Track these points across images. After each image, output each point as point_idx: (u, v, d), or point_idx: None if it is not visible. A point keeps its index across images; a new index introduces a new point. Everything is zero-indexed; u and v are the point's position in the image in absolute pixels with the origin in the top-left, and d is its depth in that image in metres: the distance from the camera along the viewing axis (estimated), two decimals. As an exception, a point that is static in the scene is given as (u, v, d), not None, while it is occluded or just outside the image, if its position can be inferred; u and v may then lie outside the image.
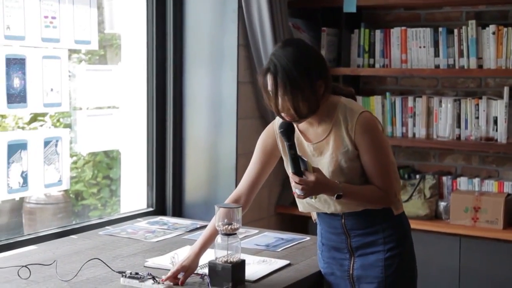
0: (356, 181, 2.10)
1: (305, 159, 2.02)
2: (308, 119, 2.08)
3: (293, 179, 1.99)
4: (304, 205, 2.17)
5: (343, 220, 2.14)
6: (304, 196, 2.02)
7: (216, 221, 2.04)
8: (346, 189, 2.04)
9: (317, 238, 2.28)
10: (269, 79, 2.03)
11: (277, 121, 2.19)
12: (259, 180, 2.25)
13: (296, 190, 2.01)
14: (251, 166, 2.26)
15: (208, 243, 2.15)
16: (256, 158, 2.25)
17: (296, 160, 1.99)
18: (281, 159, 2.24)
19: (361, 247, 2.15)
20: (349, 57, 3.80)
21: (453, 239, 3.38)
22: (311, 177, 1.98)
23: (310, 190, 1.99)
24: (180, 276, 2.07)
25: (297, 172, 1.99)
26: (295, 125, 2.07)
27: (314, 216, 2.29)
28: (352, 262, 2.16)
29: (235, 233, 2.05)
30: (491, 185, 3.54)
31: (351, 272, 2.16)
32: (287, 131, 2.01)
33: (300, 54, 2.04)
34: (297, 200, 2.19)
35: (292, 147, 1.99)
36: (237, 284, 2.01)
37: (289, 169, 2.11)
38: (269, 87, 2.04)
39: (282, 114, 2.06)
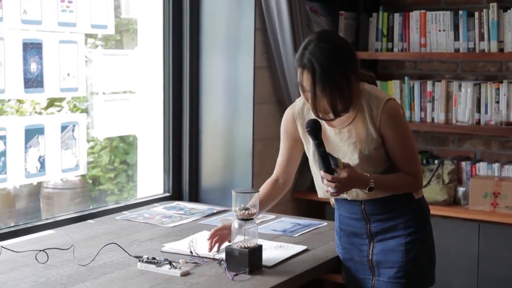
0: (379, 168, 2.08)
1: (335, 156, 1.99)
2: None
3: (324, 177, 1.97)
4: (324, 192, 2.15)
5: (362, 206, 2.13)
6: (338, 194, 2.01)
7: (233, 206, 2.04)
8: (377, 181, 2.03)
9: (335, 223, 2.26)
10: (306, 77, 1.98)
11: (297, 103, 2.18)
12: (292, 161, 2.27)
13: (329, 188, 1.99)
14: (281, 150, 2.28)
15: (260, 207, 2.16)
16: (283, 142, 2.27)
17: (326, 158, 1.96)
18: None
19: (380, 232, 2.13)
20: (367, 41, 3.76)
21: (472, 225, 3.34)
22: (343, 174, 1.96)
23: (343, 187, 1.98)
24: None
25: (328, 169, 1.96)
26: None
27: (332, 201, 2.27)
28: (371, 247, 2.14)
29: (252, 218, 2.04)
30: (511, 170, 3.49)
31: (370, 257, 2.15)
32: (314, 130, 1.98)
33: (336, 52, 2.00)
34: (316, 186, 2.17)
35: (320, 145, 1.96)
36: (253, 269, 2.01)
37: (310, 154, 2.10)
38: (305, 84, 2.00)
39: (319, 112, 2.02)
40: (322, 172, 1.98)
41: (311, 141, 2.06)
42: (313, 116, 2.06)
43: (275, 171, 2.31)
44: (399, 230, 2.11)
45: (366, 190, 2.03)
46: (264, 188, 2.29)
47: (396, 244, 2.11)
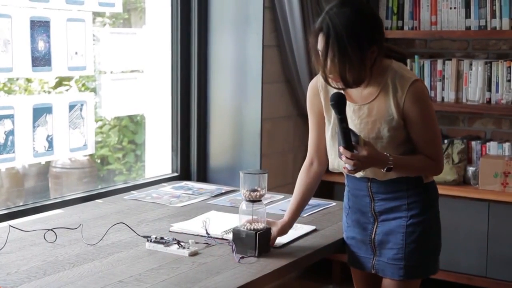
0: (393, 150, 2.02)
1: (357, 133, 1.96)
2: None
3: (344, 154, 1.93)
4: (337, 165, 2.11)
5: (369, 183, 2.10)
6: (355, 171, 1.98)
7: (241, 187, 2.02)
8: (396, 161, 1.98)
9: (344, 200, 2.24)
10: (321, 39, 1.94)
11: (320, 78, 2.09)
12: (323, 138, 2.16)
13: (347, 165, 1.95)
14: (310, 130, 2.20)
15: (298, 209, 2.18)
16: (310, 119, 2.19)
17: (347, 134, 1.91)
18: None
19: (384, 212, 2.11)
20: (377, 19, 3.71)
21: (481, 204, 3.33)
22: (363, 152, 1.92)
23: (361, 165, 1.94)
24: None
25: (348, 146, 1.91)
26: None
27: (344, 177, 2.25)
28: (375, 227, 2.13)
29: (261, 200, 2.03)
30: (521, 150, 3.46)
31: (373, 236, 2.13)
32: (339, 104, 1.92)
33: (355, 18, 1.93)
34: (329, 157, 2.14)
35: (343, 120, 1.91)
36: (261, 252, 2.00)
37: (328, 133, 2.08)
38: (319, 47, 1.96)
39: (329, 78, 1.98)
40: (341, 148, 1.93)
41: (332, 115, 2.02)
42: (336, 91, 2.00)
43: (308, 153, 2.22)
44: (402, 211, 2.08)
45: (384, 170, 1.98)
46: (300, 180, 2.20)
47: (397, 225, 2.08)
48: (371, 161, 1.95)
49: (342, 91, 1.99)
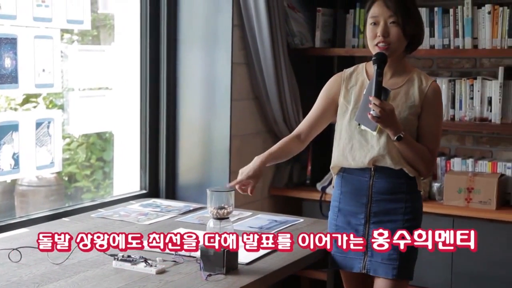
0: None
1: (389, 90, 2.16)
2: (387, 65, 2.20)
3: (373, 101, 2.10)
4: (342, 154, 2.26)
5: (371, 181, 2.22)
6: (378, 119, 2.11)
7: (208, 205, 2.04)
8: (407, 136, 2.17)
9: (332, 204, 2.33)
10: (382, 4, 2.19)
11: (347, 70, 2.33)
12: (318, 123, 2.37)
13: (372, 112, 2.11)
14: (313, 109, 2.39)
15: (275, 155, 2.31)
16: (318, 102, 2.37)
17: (380, 87, 2.14)
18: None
19: (380, 214, 2.22)
20: (344, 38, 3.78)
21: (446, 219, 3.38)
22: (389, 105, 2.13)
23: (385, 115, 2.10)
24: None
25: (378, 96, 2.13)
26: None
27: (333, 182, 2.37)
28: (367, 228, 2.23)
29: (228, 217, 2.04)
30: (484, 166, 3.53)
31: (366, 237, 2.23)
32: (381, 59, 2.16)
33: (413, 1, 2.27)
34: (340, 142, 2.28)
35: (380, 74, 2.14)
36: (229, 269, 2.00)
37: (347, 116, 2.26)
38: (378, 12, 2.20)
39: (379, 40, 2.19)
40: (372, 96, 2.11)
41: (352, 99, 2.25)
42: (360, 81, 2.27)
43: (298, 128, 2.39)
44: (398, 214, 2.22)
45: (395, 138, 2.15)
46: (283, 140, 2.38)
47: (393, 228, 2.17)
48: (392, 117, 2.13)
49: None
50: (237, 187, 2.23)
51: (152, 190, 3.34)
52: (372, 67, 2.21)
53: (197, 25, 3.36)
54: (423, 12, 3.54)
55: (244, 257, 2.13)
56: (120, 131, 3.36)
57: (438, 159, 3.64)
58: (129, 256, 2.08)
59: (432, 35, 3.55)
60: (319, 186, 3.70)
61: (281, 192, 3.72)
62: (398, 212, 2.22)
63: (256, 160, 2.29)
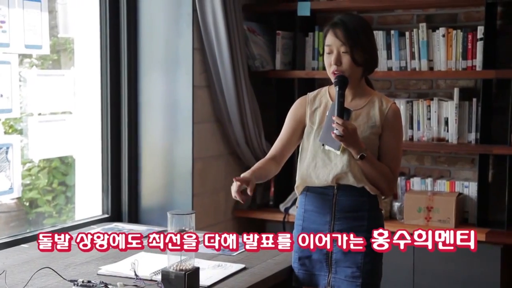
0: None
1: (351, 110, 2.25)
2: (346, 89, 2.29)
3: (336, 120, 2.19)
4: (306, 173, 2.30)
5: (334, 199, 2.27)
6: (342, 138, 2.18)
7: (169, 228, 2.04)
8: (369, 155, 2.24)
9: (296, 222, 2.37)
10: (334, 34, 2.27)
11: (310, 93, 2.41)
12: (290, 143, 2.41)
13: (336, 131, 2.19)
14: (282, 131, 2.44)
15: (258, 173, 2.28)
16: (287, 124, 2.43)
17: (343, 107, 2.23)
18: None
19: (343, 231, 2.24)
20: (304, 60, 3.83)
21: (407, 238, 3.43)
22: (352, 125, 2.21)
23: (348, 134, 2.18)
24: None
25: (341, 115, 2.22)
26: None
27: (297, 203, 2.39)
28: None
29: (189, 240, 2.04)
30: (443, 185, 3.61)
31: (330, 255, 2.27)
32: (342, 81, 2.25)
33: (365, 22, 2.36)
34: (304, 160, 2.33)
35: (342, 95, 2.24)
36: (191, 292, 2.00)
37: (312, 135, 2.32)
38: (331, 42, 2.27)
39: (334, 72, 2.27)
40: (335, 116, 2.20)
41: (317, 120, 2.33)
42: (324, 103, 2.35)
43: (271, 150, 2.42)
44: (361, 232, 2.25)
45: (358, 157, 2.21)
46: (261, 161, 2.38)
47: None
48: (355, 136, 2.21)
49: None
50: (236, 186, 2.17)
51: (114, 214, 3.31)
52: (334, 90, 2.28)
53: (158, 48, 3.38)
54: (380, 35, 3.63)
55: (205, 279, 2.13)
56: (82, 155, 3.33)
57: (398, 178, 3.70)
58: (89, 282, 2.07)
59: (389, 57, 3.63)
60: (282, 207, 3.73)
61: (245, 214, 3.73)
62: (361, 230, 2.26)
63: (247, 172, 2.27)
